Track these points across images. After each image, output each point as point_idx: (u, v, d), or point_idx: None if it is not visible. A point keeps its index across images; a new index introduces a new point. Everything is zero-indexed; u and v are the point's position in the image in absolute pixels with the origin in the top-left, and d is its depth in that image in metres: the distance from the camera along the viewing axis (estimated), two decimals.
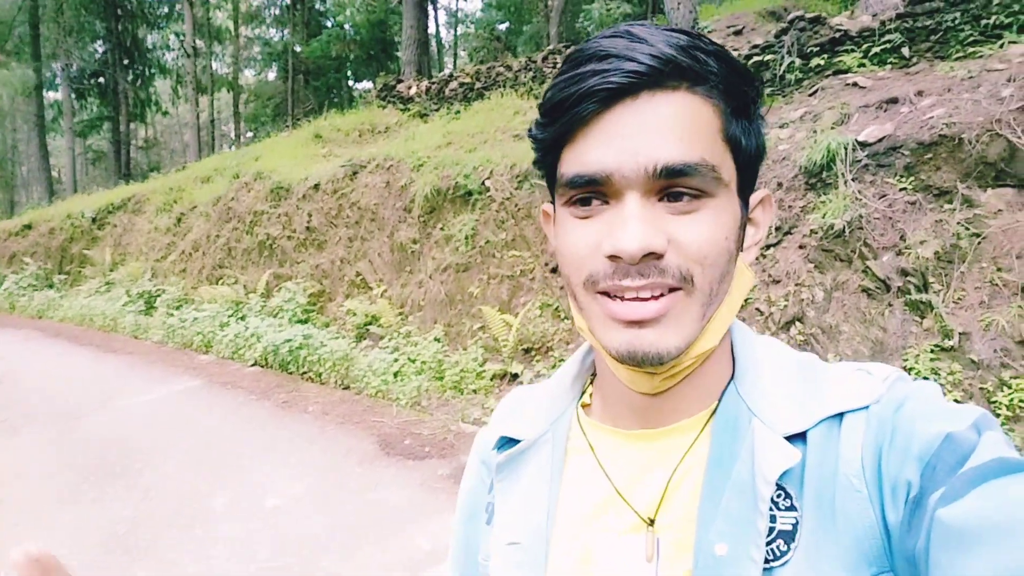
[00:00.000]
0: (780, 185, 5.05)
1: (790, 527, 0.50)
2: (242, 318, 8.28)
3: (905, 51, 5.92)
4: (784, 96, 6.52)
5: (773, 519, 0.50)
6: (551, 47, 10.99)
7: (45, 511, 3.82)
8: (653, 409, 0.59)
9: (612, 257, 0.49)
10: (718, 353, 0.58)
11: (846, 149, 4.70)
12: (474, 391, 5.71)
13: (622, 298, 0.50)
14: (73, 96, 23.90)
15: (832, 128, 5.00)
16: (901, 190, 4.48)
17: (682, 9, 9.18)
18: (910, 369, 4.01)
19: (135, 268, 11.20)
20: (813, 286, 4.56)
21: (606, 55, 0.49)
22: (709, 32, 8.84)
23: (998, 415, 3.71)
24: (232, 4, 27.68)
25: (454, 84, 11.54)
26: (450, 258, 7.03)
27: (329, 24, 24.03)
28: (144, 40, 25.94)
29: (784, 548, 0.49)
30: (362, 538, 3.39)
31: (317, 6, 25.17)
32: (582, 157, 0.51)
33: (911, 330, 4.19)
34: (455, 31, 30.62)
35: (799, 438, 0.52)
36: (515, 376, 5.80)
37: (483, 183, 7.04)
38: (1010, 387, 3.74)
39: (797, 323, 4.55)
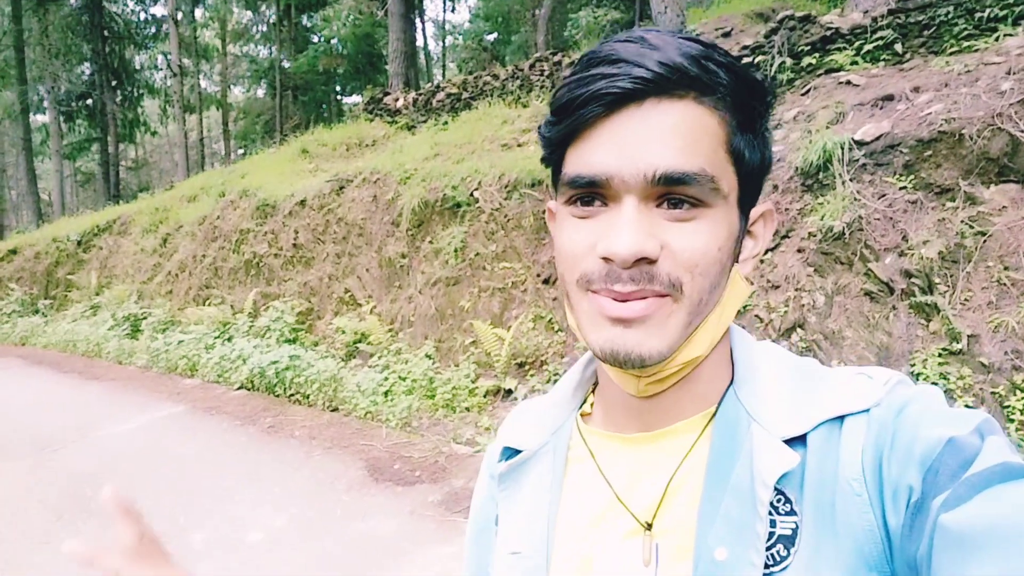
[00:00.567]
0: (776, 187, 4.90)
1: (790, 531, 0.49)
2: (229, 339, 8.07)
3: (898, 47, 5.79)
4: (776, 97, 6.38)
5: (773, 523, 0.50)
6: (538, 55, 10.87)
7: (16, 553, 3.61)
8: (651, 412, 0.59)
9: (605, 259, 0.50)
10: (716, 358, 0.59)
11: (843, 148, 4.56)
12: (467, 409, 5.51)
13: (612, 297, 0.50)
14: (61, 118, 23.70)
15: (827, 127, 4.86)
16: (901, 189, 4.33)
17: (669, 13, 9.08)
18: (918, 375, 3.84)
19: (121, 291, 10.99)
20: (813, 291, 4.40)
21: (617, 59, 0.49)
22: (697, 35, 8.73)
23: (1011, 420, 3.55)
24: (219, 23, 27.66)
25: (441, 95, 11.41)
26: (440, 272, 6.86)
27: (316, 39, 23.95)
28: (131, 61, 25.80)
29: (784, 553, 0.49)
30: (348, 574, 3.19)
31: (304, 22, 25.13)
32: (585, 158, 0.51)
33: (917, 334, 4.02)
34: (443, 43, 30.60)
35: (799, 442, 0.52)
36: (509, 392, 5.61)
37: (472, 194, 6.88)
38: (1023, 391, 3.58)
39: (798, 329, 4.38)
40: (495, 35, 26.12)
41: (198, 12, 26.86)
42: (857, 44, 6.07)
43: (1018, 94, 4.13)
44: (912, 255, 4.07)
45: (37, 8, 21.75)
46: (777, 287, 4.54)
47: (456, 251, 6.74)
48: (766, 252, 4.73)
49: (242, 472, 4.52)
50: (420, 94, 11.96)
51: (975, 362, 3.75)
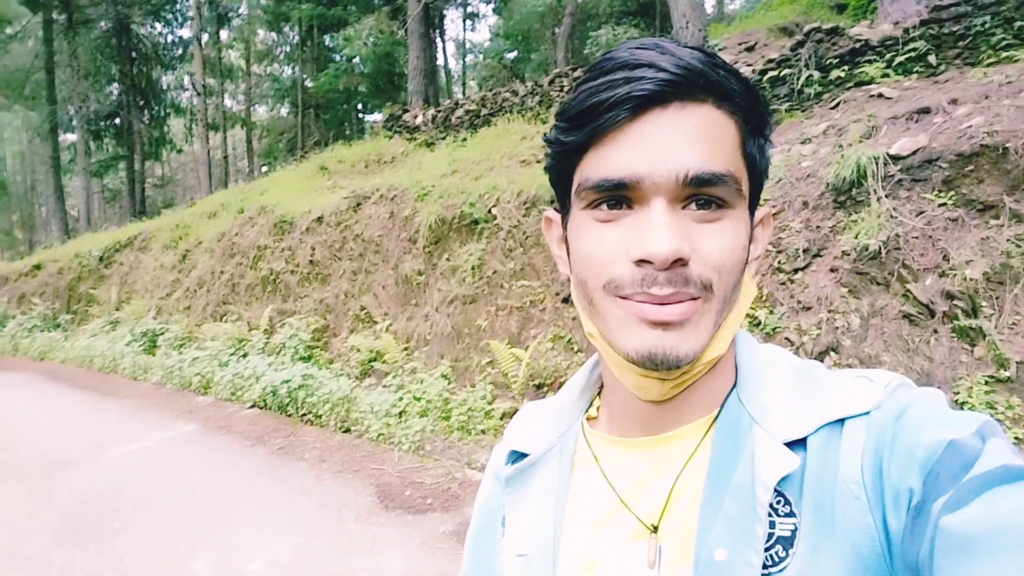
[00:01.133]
0: (806, 204, 4.68)
1: (789, 533, 0.50)
2: (244, 356, 7.98)
3: (932, 59, 5.58)
4: (804, 111, 6.19)
5: (773, 525, 0.50)
6: (557, 71, 10.78)
7: None
8: (657, 417, 0.59)
9: (640, 262, 0.50)
10: (722, 361, 0.59)
11: (877, 163, 4.34)
12: (482, 431, 5.32)
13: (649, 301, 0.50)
14: (89, 137, 24.12)
15: (860, 142, 4.64)
16: (941, 206, 4.10)
17: (691, 28, 8.94)
18: (963, 403, 3.59)
19: (139, 306, 11.00)
20: (848, 312, 4.16)
21: (637, 64, 0.50)
22: (720, 50, 8.57)
23: None
24: (244, 44, 28.10)
25: (460, 112, 11.36)
26: (456, 290, 6.71)
27: (338, 59, 24.17)
28: (158, 81, 26.25)
29: (783, 554, 0.49)
30: None
31: (327, 42, 25.40)
32: (610, 162, 0.51)
33: (961, 360, 3.77)
34: (463, 61, 30.77)
35: (799, 444, 0.52)
36: None
37: (489, 211, 6.75)
38: None
39: (831, 353, 4.14)
40: (515, 53, 26.18)
41: (223, 33, 27.33)
42: (888, 56, 5.87)
43: None
44: (954, 276, 3.83)
45: (67, 31, 22.25)
46: (808, 308, 4.31)
47: (473, 268, 6.59)
48: (796, 272, 4.52)
49: (249, 497, 4.36)
50: (439, 111, 11.93)
51: None
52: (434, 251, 7.18)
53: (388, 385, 6.25)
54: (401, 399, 5.89)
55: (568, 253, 0.60)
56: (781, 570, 0.48)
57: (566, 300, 5.92)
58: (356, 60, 21.56)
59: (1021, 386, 3.54)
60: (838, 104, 5.77)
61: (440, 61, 23.84)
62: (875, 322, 4.07)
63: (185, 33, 25.99)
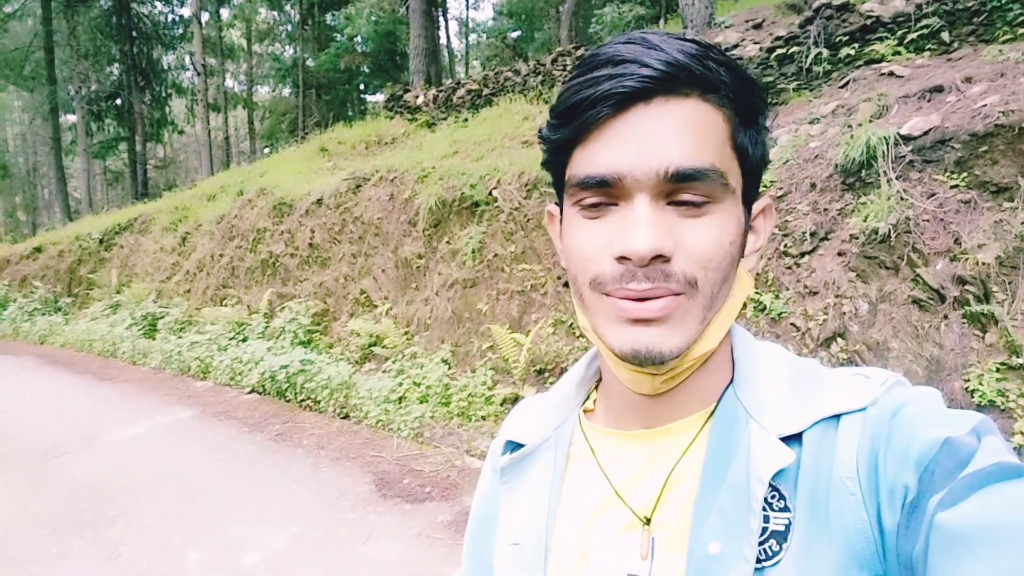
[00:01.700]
0: (814, 186, 4.56)
1: (783, 527, 0.50)
2: (243, 340, 7.92)
3: (945, 36, 5.40)
4: (812, 90, 6.03)
5: (767, 519, 0.50)
6: (560, 49, 10.57)
7: (1, 571, 3.44)
8: (653, 410, 0.59)
9: (621, 259, 0.50)
10: (718, 356, 0.59)
11: (887, 144, 4.21)
12: (483, 417, 5.26)
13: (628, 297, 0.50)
14: (89, 118, 23.93)
15: (870, 121, 4.50)
16: (953, 188, 3.97)
17: (697, 5, 8.74)
18: (973, 391, 3.50)
19: (140, 290, 10.93)
20: (856, 297, 4.06)
21: (621, 60, 0.50)
22: (727, 27, 8.37)
23: None
24: (245, 22, 27.77)
25: (462, 92, 11.18)
26: (457, 273, 6.61)
27: (339, 38, 23.88)
28: (159, 61, 25.95)
29: (776, 548, 0.49)
30: None
31: (328, 20, 25.05)
32: (594, 159, 0.51)
33: (972, 346, 3.67)
34: (466, 41, 30.37)
35: (795, 440, 0.52)
36: None
37: (490, 193, 6.63)
38: None
39: (838, 339, 4.04)
40: (518, 32, 25.82)
41: (224, 12, 26.99)
42: (900, 33, 5.69)
43: None
44: (966, 260, 3.71)
45: (66, 10, 21.97)
46: (815, 293, 4.20)
47: (474, 252, 6.49)
48: (803, 255, 4.41)
49: (245, 485, 4.32)
50: (440, 91, 11.75)
51: None
52: (434, 234, 7.08)
53: (388, 370, 6.19)
54: (401, 384, 5.83)
55: None
56: (775, 564, 0.49)
57: (567, 284, 5.82)
58: (357, 39, 21.27)
59: None
60: (848, 83, 5.61)
61: (443, 40, 23.50)
62: (884, 307, 3.96)
63: (185, 12, 25.64)
